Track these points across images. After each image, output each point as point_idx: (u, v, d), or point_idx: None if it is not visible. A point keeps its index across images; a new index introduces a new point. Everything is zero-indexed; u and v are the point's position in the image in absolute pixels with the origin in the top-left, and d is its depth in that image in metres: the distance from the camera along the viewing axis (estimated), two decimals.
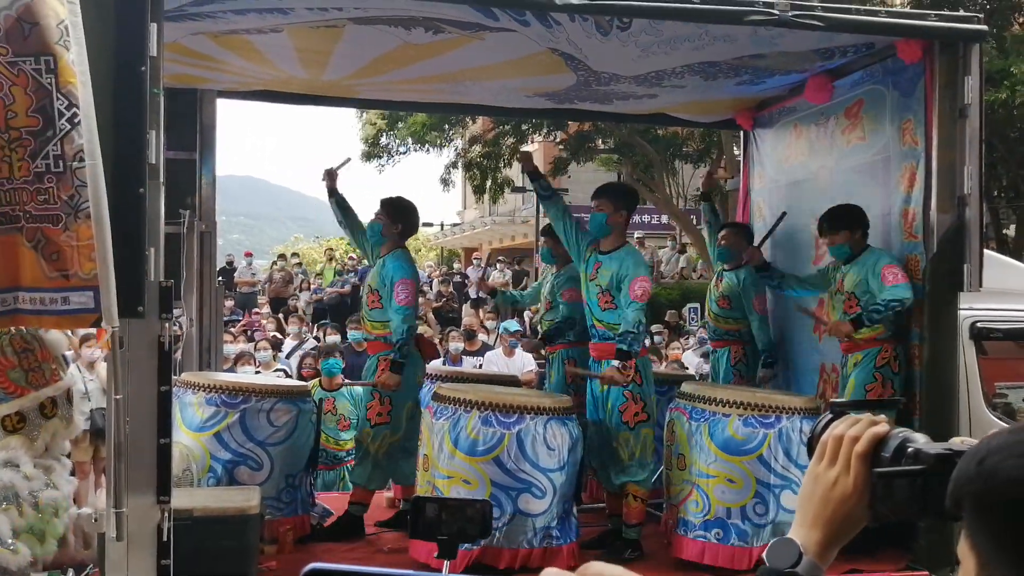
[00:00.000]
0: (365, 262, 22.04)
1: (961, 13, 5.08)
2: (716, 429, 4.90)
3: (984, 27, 4.81)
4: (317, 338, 13.01)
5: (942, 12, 5.08)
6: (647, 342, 6.09)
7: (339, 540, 5.34)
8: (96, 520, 4.21)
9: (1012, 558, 0.98)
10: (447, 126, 21.19)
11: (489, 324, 15.33)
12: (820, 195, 5.81)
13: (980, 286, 4.78)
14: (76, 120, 3.23)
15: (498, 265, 22.70)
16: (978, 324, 5.23)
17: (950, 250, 4.83)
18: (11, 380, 4.64)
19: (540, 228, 6.62)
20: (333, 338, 11.78)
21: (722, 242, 6.53)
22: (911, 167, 5.14)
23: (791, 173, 6.36)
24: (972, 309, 5.14)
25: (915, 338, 5.10)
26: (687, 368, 10.80)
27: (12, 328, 4.39)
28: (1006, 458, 1.00)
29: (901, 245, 5.25)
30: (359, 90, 6.22)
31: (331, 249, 25.30)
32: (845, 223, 5.39)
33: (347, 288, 19.93)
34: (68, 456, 4.90)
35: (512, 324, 12.15)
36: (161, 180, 3.73)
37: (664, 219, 24.81)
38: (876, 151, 5.47)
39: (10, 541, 4.31)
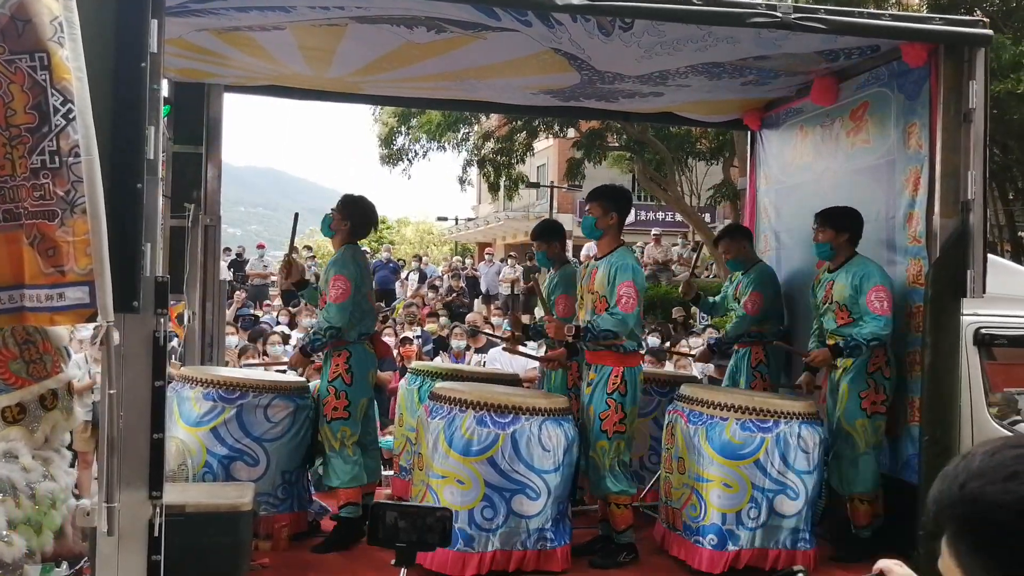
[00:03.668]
0: (378, 257, 22.21)
1: (966, 17, 5.01)
2: (714, 433, 4.87)
3: (990, 31, 4.75)
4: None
5: (947, 16, 5.01)
6: (643, 347, 5.97)
7: (339, 551, 5.23)
8: (88, 514, 4.24)
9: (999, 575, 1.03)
10: (461, 125, 21.17)
11: (495, 320, 15.30)
12: (824, 197, 5.77)
13: (983, 292, 4.73)
14: (71, 116, 3.24)
15: (509, 261, 22.67)
16: (982, 330, 5.18)
17: (953, 255, 4.78)
18: (12, 371, 4.64)
19: (534, 232, 6.49)
20: None
21: (725, 256, 6.54)
22: (916, 171, 5.10)
23: (796, 174, 6.33)
24: (976, 315, 5.09)
25: (917, 344, 5.06)
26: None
27: None
28: (989, 483, 1.05)
29: (905, 249, 5.21)
30: (364, 87, 6.21)
31: None
32: (833, 223, 5.40)
33: None
34: (69, 447, 4.93)
35: None
36: (159, 176, 3.73)
37: (678, 216, 24.72)
38: (881, 154, 5.43)
39: (4, 533, 4.32)
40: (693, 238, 23.83)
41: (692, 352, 9.98)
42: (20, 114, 3.27)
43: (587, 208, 5.37)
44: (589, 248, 22.68)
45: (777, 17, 4.44)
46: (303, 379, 5.79)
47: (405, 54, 5.17)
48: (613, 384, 5.10)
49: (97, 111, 3.25)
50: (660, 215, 25.96)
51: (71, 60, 3.25)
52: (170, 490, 4.02)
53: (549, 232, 6.31)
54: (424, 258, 24.45)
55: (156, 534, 3.78)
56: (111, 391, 3.62)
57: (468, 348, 10.81)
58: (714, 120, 7.33)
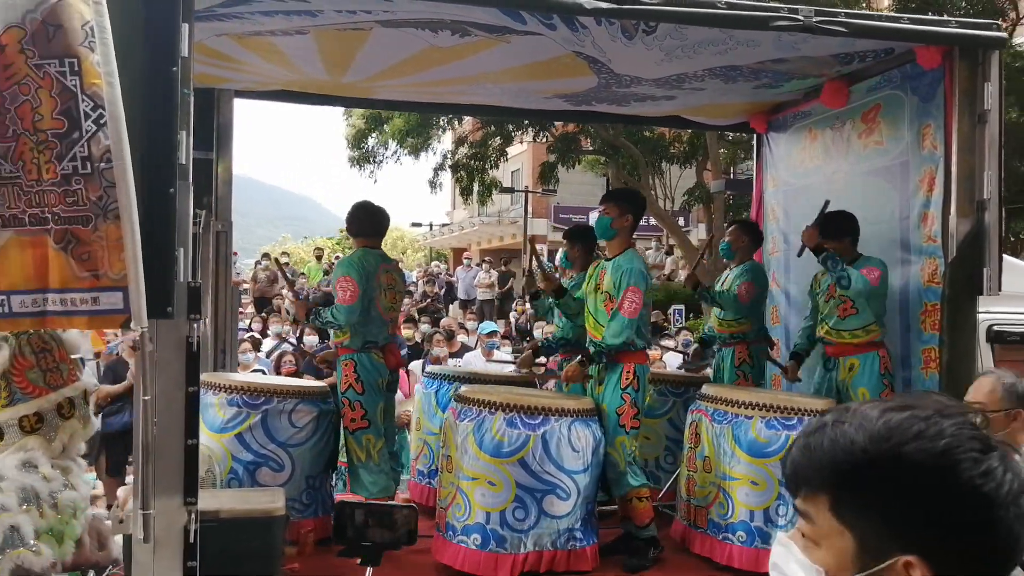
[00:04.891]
0: None
1: (981, 20, 5.12)
2: (740, 431, 4.93)
3: (1004, 35, 4.87)
4: (298, 338, 12.88)
5: (963, 19, 5.12)
6: (650, 346, 6.02)
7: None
8: (122, 522, 4.20)
9: (908, 532, 1.08)
10: (429, 130, 21.13)
11: (470, 325, 15.31)
12: (836, 198, 5.84)
13: (999, 290, 4.82)
14: (102, 121, 3.22)
15: (484, 265, 22.70)
16: (995, 327, 5.29)
17: (970, 254, 4.86)
18: (29, 380, 4.61)
19: (565, 232, 6.61)
20: (312, 338, 11.70)
21: (727, 238, 6.62)
22: (931, 171, 5.19)
23: (806, 176, 6.41)
24: (989, 312, 5.19)
25: (932, 341, 5.15)
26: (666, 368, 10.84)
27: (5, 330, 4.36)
28: (898, 444, 1.09)
29: (920, 248, 5.29)
30: (378, 91, 6.20)
31: (319, 248, 25.27)
32: (836, 232, 5.51)
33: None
34: (84, 457, 4.88)
35: (490, 325, 12.14)
36: (189, 180, 3.73)
37: (652, 220, 24.91)
38: (894, 155, 5.52)
39: (32, 542, 4.28)
40: (667, 242, 23.98)
41: (685, 350, 10.06)
42: (47, 119, 3.25)
43: (603, 208, 5.44)
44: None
45: (799, 20, 4.51)
46: (324, 384, 5.77)
47: (426, 58, 5.17)
48: (626, 380, 5.15)
49: (128, 116, 3.24)
50: None
51: (102, 65, 3.23)
52: (203, 496, 3.99)
53: (574, 235, 6.47)
54: (399, 263, 24.39)
55: (192, 540, 3.76)
56: (145, 397, 3.61)
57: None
58: (721, 123, 7.40)
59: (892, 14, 5.47)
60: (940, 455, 1.08)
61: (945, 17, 5.75)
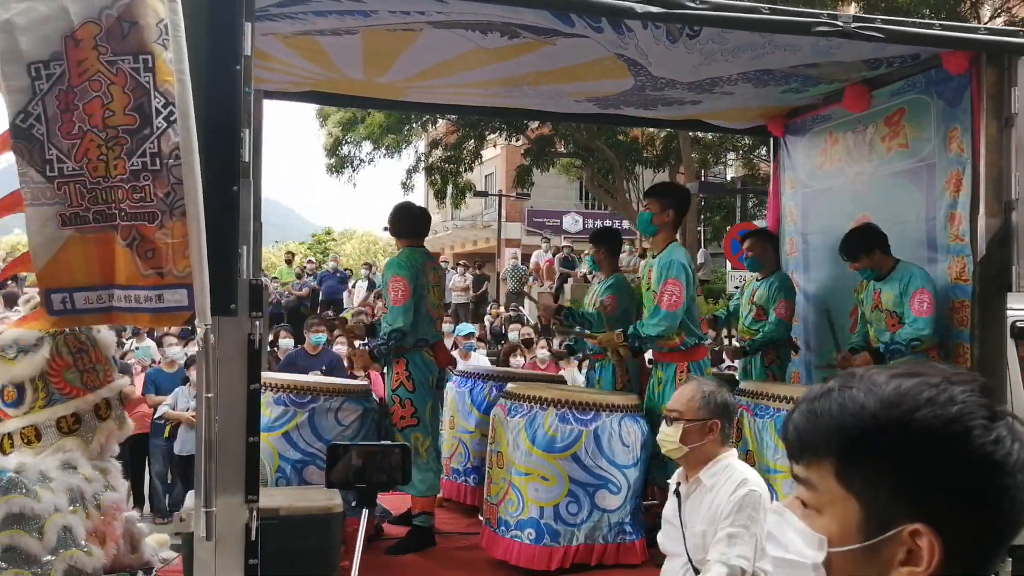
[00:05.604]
0: (325, 267, 22.08)
1: (1008, 27, 5.30)
2: (782, 425, 5.01)
3: None
4: (272, 341, 12.82)
5: (989, 27, 5.29)
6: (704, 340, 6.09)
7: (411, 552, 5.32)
8: (183, 520, 4.20)
9: (922, 496, 1.08)
10: (406, 128, 21.19)
11: (445, 328, 15.36)
12: (858, 200, 5.99)
13: None
14: (172, 118, 3.26)
15: (459, 269, 22.73)
16: (1019, 324, 5.44)
17: (998, 253, 5.02)
18: (67, 381, 4.59)
19: (590, 235, 6.72)
20: (287, 341, 11.69)
21: (749, 252, 6.65)
22: (957, 173, 5.34)
23: (826, 179, 6.54)
24: (1013, 309, 5.35)
25: (960, 337, 5.30)
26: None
27: (67, 328, 4.35)
28: (909, 411, 1.09)
29: (947, 247, 5.45)
30: (410, 93, 6.22)
31: (290, 252, 25.13)
32: (861, 249, 5.57)
33: (305, 291, 19.85)
34: (117, 458, 4.85)
35: (467, 327, 12.23)
36: (251, 178, 3.75)
37: (625, 223, 25.06)
38: (920, 158, 5.66)
39: (83, 543, 4.27)
40: (640, 245, 24.16)
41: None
42: (119, 115, 3.28)
43: (645, 204, 5.59)
44: (539, 255, 22.91)
45: (838, 26, 4.65)
46: (366, 383, 5.81)
47: (470, 59, 5.22)
48: (680, 380, 5.23)
49: (195, 113, 3.27)
50: (609, 223, 26.30)
51: (174, 63, 3.27)
52: (261, 494, 4.01)
53: (599, 238, 6.55)
54: (373, 267, 24.35)
55: (253, 538, 3.77)
56: (208, 395, 3.62)
57: None
58: (738, 127, 7.52)
59: (924, 20, 5.61)
60: (951, 422, 1.07)
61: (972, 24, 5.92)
